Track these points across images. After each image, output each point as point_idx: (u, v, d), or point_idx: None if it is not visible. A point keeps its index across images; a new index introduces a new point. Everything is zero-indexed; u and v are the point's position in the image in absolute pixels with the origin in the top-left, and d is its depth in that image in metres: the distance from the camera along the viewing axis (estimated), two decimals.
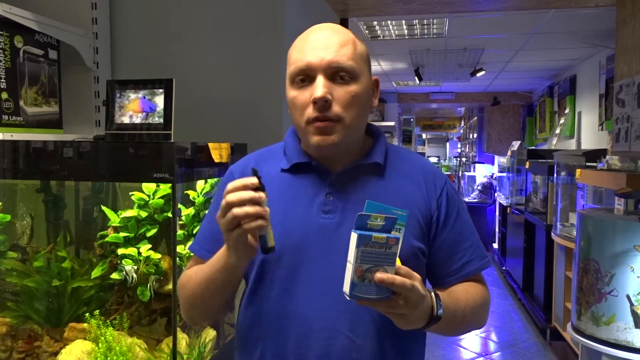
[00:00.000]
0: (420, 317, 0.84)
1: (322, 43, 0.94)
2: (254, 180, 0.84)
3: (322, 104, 0.92)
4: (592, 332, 2.30)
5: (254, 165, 1.04)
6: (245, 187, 0.83)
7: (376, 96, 1.04)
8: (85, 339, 1.54)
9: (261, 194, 0.83)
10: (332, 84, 0.93)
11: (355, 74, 0.94)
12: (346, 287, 0.79)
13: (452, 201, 1.03)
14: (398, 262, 0.82)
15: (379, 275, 0.77)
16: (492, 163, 8.18)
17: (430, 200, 1.01)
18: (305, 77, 0.94)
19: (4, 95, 1.63)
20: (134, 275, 1.54)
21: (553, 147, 5.65)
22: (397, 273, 0.79)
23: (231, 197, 0.83)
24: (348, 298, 0.79)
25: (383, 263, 0.78)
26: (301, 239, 0.96)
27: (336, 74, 0.93)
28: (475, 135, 9.07)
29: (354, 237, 0.79)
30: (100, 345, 1.47)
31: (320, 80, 0.92)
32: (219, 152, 1.66)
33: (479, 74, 5.50)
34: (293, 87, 0.96)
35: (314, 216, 0.97)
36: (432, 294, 0.88)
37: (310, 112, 0.93)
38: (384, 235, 0.78)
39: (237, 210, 0.82)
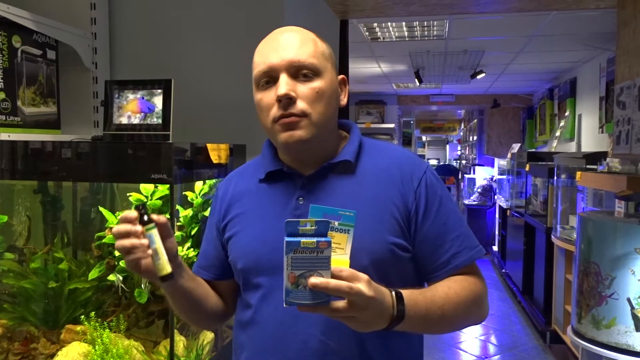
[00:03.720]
0: (375, 318, 0.81)
1: (282, 44, 0.95)
2: (132, 213, 0.86)
3: (286, 101, 0.92)
4: (592, 336, 2.28)
5: (235, 176, 1.10)
6: (124, 221, 0.86)
7: (345, 94, 1.03)
8: (82, 341, 1.53)
9: (137, 228, 0.85)
10: (295, 82, 0.94)
11: (318, 71, 0.95)
12: (284, 295, 0.79)
13: (433, 191, 0.99)
14: (346, 265, 0.81)
15: (312, 280, 0.76)
16: (492, 165, 8.18)
17: (407, 193, 0.97)
18: (269, 78, 0.95)
19: (2, 95, 1.62)
20: (122, 286, 1.53)
21: (553, 150, 5.64)
22: (338, 276, 0.77)
23: (114, 230, 0.87)
24: (285, 305, 0.79)
25: (316, 268, 0.77)
26: (275, 247, 0.95)
27: (298, 71, 0.94)
28: (475, 138, 9.06)
29: (284, 244, 0.78)
30: (97, 347, 1.46)
31: (283, 79, 0.93)
32: (217, 153, 1.65)
33: (479, 76, 5.50)
34: (259, 90, 0.98)
35: None
36: (393, 293, 0.85)
37: (275, 111, 0.94)
38: (314, 239, 0.77)
39: (117, 243, 0.86)
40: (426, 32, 4.09)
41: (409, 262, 0.98)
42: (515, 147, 6.32)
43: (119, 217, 0.90)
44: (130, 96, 1.67)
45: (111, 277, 1.55)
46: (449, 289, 0.95)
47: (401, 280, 0.93)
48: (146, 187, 1.59)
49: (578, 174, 3.07)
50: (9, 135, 1.61)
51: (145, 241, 0.85)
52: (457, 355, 3.93)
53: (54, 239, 1.74)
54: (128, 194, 1.60)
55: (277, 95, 0.92)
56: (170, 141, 1.59)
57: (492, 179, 7.98)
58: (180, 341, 1.54)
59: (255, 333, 0.99)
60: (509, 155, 6.42)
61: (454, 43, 4.49)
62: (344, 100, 1.03)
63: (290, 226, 0.79)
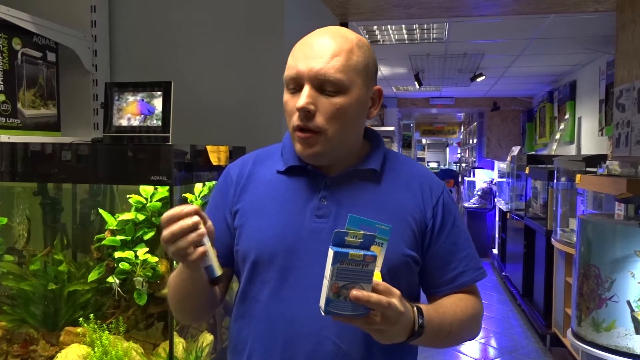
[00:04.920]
0: (400, 332, 0.84)
1: (314, 51, 0.93)
2: (194, 216, 0.84)
3: (304, 113, 0.92)
4: (592, 338, 2.28)
5: (251, 164, 1.06)
6: (187, 215, 0.84)
7: (376, 106, 1.02)
8: (81, 343, 1.52)
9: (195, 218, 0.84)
10: (318, 94, 0.93)
11: (343, 87, 0.93)
12: (322, 303, 0.79)
13: (448, 210, 1.03)
14: (378, 278, 0.82)
15: (355, 292, 0.77)
16: (492, 168, 8.17)
17: (426, 208, 1.01)
18: (296, 85, 0.95)
19: (2, 98, 1.63)
20: (119, 290, 1.53)
21: (553, 153, 5.64)
22: (375, 289, 0.79)
23: (174, 228, 0.84)
24: (323, 314, 0.79)
25: (359, 280, 0.78)
26: (293, 243, 0.96)
27: (322, 85, 0.93)
28: (475, 141, 9.07)
29: (330, 253, 0.78)
30: (96, 349, 1.46)
31: (305, 90, 0.92)
32: (217, 155, 1.65)
33: (478, 79, 5.50)
34: (287, 91, 0.97)
35: (307, 220, 0.97)
36: (415, 308, 0.88)
37: (295, 119, 0.94)
38: (362, 252, 0.78)
39: (180, 224, 0.84)
40: (426, 35, 4.10)
41: (417, 274, 1.02)
42: (515, 150, 6.32)
43: (176, 213, 0.85)
44: (130, 98, 1.67)
45: (110, 279, 1.54)
46: (456, 306, 0.99)
47: (407, 291, 0.94)
48: (146, 189, 1.59)
49: (578, 176, 3.07)
50: (8, 138, 1.61)
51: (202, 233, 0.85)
52: (457, 359, 3.92)
53: (54, 241, 1.74)
54: (128, 196, 1.60)
55: (295, 106, 0.93)
56: (170, 143, 1.59)
57: (492, 181, 7.98)
58: (179, 343, 1.54)
59: (263, 329, 0.97)
60: (508, 158, 6.42)
61: (453, 46, 4.50)
62: (374, 112, 1.02)
63: (338, 237, 0.79)
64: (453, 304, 0.99)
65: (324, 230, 0.95)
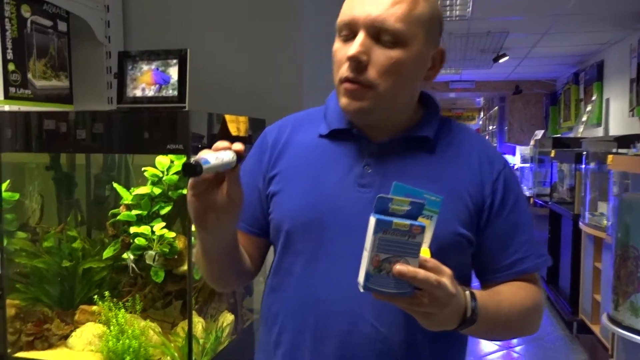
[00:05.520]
0: (450, 317, 0.74)
1: None
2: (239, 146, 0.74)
3: (355, 64, 0.81)
4: (630, 323, 2.16)
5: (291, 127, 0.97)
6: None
7: (436, 69, 0.90)
8: (96, 321, 1.46)
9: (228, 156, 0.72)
10: (374, 44, 0.82)
11: (402, 38, 0.81)
12: (360, 277, 0.69)
13: (510, 188, 0.90)
14: (427, 254, 0.72)
15: (399, 267, 0.67)
16: (514, 154, 7.99)
17: (484, 184, 0.89)
18: (349, 32, 0.84)
19: (11, 67, 1.55)
20: (133, 266, 1.46)
21: (579, 136, 5.47)
22: (422, 266, 0.69)
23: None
24: (361, 290, 0.70)
25: (405, 254, 0.68)
26: (331, 212, 0.86)
27: (379, 34, 0.81)
28: (494, 127, 8.88)
29: (372, 221, 0.68)
30: (112, 328, 1.39)
31: (359, 38, 0.81)
32: (236, 125, 1.56)
33: (502, 60, 5.34)
34: (339, 39, 0.86)
35: (349, 188, 0.87)
36: (467, 292, 0.77)
37: (344, 70, 0.83)
38: (408, 222, 0.67)
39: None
40: (448, 12, 3.96)
41: (469, 257, 0.91)
42: (539, 134, 6.16)
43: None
44: (145, 67, 1.59)
45: (125, 256, 1.48)
46: (514, 295, 0.88)
47: (457, 273, 0.81)
48: (162, 162, 1.51)
49: (609, 157, 2.92)
50: (19, 109, 1.55)
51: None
52: (480, 345, 3.83)
53: (68, 217, 1.67)
54: (143, 169, 1.52)
55: (346, 55, 0.82)
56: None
57: (513, 167, 7.82)
58: (198, 322, 1.47)
59: (295, 304, 0.89)
60: (532, 142, 6.26)
61: (476, 24, 4.35)
62: (433, 75, 0.90)
63: (381, 202, 0.69)
64: (512, 292, 0.88)
65: (366, 200, 0.85)
